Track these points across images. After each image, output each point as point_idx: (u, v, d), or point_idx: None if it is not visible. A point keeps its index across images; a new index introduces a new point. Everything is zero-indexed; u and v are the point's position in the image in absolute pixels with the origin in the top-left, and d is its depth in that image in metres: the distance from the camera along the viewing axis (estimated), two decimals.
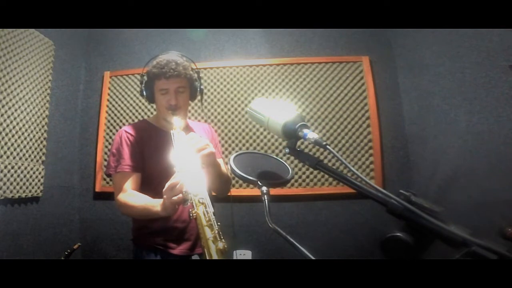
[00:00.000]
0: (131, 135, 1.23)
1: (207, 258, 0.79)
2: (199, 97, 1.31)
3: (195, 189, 0.91)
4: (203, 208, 0.87)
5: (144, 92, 1.24)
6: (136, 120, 2.10)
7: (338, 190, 1.89)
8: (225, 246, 0.80)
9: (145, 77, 1.24)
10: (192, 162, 0.99)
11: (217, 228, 0.83)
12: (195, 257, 1.22)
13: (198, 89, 1.29)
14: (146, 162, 1.20)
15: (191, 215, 0.86)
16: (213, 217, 0.85)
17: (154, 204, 1.02)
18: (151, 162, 1.20)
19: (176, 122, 1.15)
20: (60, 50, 1.98)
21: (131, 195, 1.13)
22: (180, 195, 0.89)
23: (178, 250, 1.19)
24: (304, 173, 1.94)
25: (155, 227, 1.17)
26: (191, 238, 1.22)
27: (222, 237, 0.82)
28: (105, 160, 2.08)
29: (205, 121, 1.46)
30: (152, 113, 2.10)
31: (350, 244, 1.84)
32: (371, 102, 1.98)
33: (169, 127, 1.25)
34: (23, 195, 1.64)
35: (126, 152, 1.19)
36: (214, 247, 0.79)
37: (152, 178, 1.19)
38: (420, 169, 1.86)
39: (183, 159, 0.99)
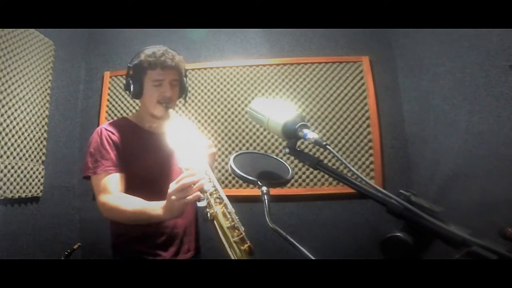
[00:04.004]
0: (111, 133, 1.11)
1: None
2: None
3: (209, 188, 0.83)
4: (222, 208, 0.79)
5: (132, 86, 1.12)
6: None
7: (338, 190, 1.89)
8: (252, 248, 0.73)
9: (132, 70, 1.13)
10: (198, 160, 0.92)
11: (242, 229, 0.75)
12: None
13: (186, 86, 1.21)
14: (129, 164, 1.10)
15: (208, 216, 0.78)
16: (236, 217, 0.77)
17: (154, 207, 0.92)
18: (135, 164, 1.10)
19: (172, 114, 1.07)
20: (60, 50, 1.98)
21: (120, 198, 1.02)
22: (197, 193, 0.81)
23: (162, 256, 1.10)
24: (304, 173, 1.94)
25: (136, 233, 1.08)
26: (175, 243, 1.13)
27: (246, 239, 0.75)
28: None
29: (187, 117, 1.36)
30: None
31: (350, 244, 1.84)
32: (371, 102, 1.98)
33: (154, 127, 1.17)
34: (23, 195, 1.64)
35: (107, 151, 1.07)
36: (240, 249, 0.72)
37: (135, 181, 1.10)
38: (420, 169, 1.86)
39: (188, 157, 0.92)
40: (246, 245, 0.73)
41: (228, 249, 0.74)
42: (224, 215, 0.78)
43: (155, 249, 1.10)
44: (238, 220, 0.77)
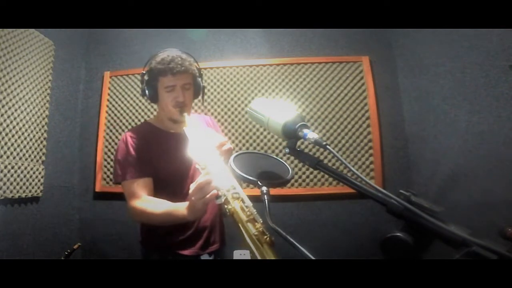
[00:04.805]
0: (136, 139, 1.17)
1: (257, 255, 0.71)
2: (200, 95, 1.27)
3: (225, 184, 0.84)
4: (239, 203, 0.80)
5: (147, 91, 1.17)
6: (136, 121, 2.10)
7: (338, 190, 1.89)
8: (273, 240, 0.71)
9: (146, 76, 1.17)
10: (215, 158, 0.94)
11: (261, 221, 0.75)
12: (204, 256, 1.20)
13: (201, 86, 1.24)
14: (155, 166, 1.15)
15: (227, 211, 0.80)
16: (254, 210, 0.77)
17: (178, 208, 0.95)
18: (160, 166, 1.15)
19: (187, 119, 1.11)
20: (60, 50, 1.98)
21: (149, 202, 1.07)
22: (214, 191, 0.84)
23: (189, 250, 1.16)
24: (304, 173, 1.94)
25: (165, 228, 1.14)
26: (202, 237, 1.19)
27: (266, 231, 0.73)
28: (105, 160, 2.08)
29: (206, 114, 1.39)
30: (152, 113, 2.10)
31: (350, 244, 1.84)
32: (371, 102, 1.98)
33: (174, 128, 1.22)
34: (23, 195, 1.64)
35: (133, 158, 1.13)
36: (261, 241, 0.71)
37: (163, 182, 1.15)
38: (420, 169, 1.86)
39: (205, 156, 0.94)
40: (266, 237, 0.72)
41: (249, 242, 0.73)
42: (242, 209, 0.79)
43: (183, 243, 1.16)
44: (256, 213, 0.77)
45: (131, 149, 1.15)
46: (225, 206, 0.81)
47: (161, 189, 1.14)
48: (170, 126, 1.22)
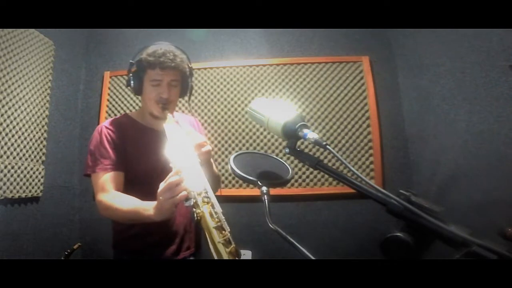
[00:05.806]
0: (111, 131, 1.11)
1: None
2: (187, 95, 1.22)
3: (197, 187, 0.81)
4: (209, 208, 0.78)
5: (132, 82, 1.11)
6: None
7: (338, 190, 1.89)
8: (237, 250, 0.71)
9: (134, 66, 1.11)
10: (190, 159, 0.90)
11: (228, 230, 0.74)
12: None
13: (189, 86, 1.19)
14: (129, 162, 1.10)
15: (195, 215, 0.76)
16: (223, 217, 0.76)
17: (146, 207, 0.90)
18: (134, 161, 1.10)
19: (168, 116, 1.07)
20: (60, 50, 1.98)
21: (116, 197, 1.01)
22: (183, 193, 0.79)
23: (162, 255, 1.11)
24: (304, 173, 1.94)
25: (136, 231, 1.09)
26: (176, 242, 1.14)
27: (232, 241, 0.73)
28: None
29: (192, 115, 1.34)
30: None
31: (350, 244, 1.84)
32: (371, 102, 1.98)
33: (154, 124, 1.16)
34: (23, 195, 1.64)
35: (106, 149, 1.08)
36: (225, 251, 0.70)
37: (135, 179, 1.10)
38: (420, 169, 1.86)
39: (180, 155, 0.90)
40: (231, 247, 0.71)
41: (212, 250, 0.72)
42: (210, 215, 0.76)
43: (154, 248, 1.11)
44: (224, 220, 0.76)
45: (105, 141, 1.09)
46: (194, 210, 0.77)
47: (132, 186, 1.08)
48: (150, 122, 1.18)
